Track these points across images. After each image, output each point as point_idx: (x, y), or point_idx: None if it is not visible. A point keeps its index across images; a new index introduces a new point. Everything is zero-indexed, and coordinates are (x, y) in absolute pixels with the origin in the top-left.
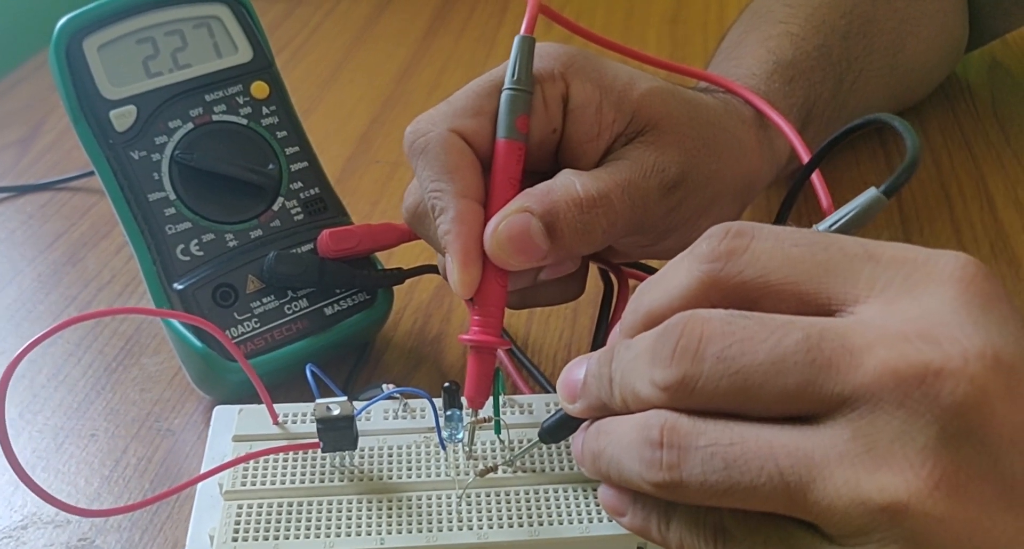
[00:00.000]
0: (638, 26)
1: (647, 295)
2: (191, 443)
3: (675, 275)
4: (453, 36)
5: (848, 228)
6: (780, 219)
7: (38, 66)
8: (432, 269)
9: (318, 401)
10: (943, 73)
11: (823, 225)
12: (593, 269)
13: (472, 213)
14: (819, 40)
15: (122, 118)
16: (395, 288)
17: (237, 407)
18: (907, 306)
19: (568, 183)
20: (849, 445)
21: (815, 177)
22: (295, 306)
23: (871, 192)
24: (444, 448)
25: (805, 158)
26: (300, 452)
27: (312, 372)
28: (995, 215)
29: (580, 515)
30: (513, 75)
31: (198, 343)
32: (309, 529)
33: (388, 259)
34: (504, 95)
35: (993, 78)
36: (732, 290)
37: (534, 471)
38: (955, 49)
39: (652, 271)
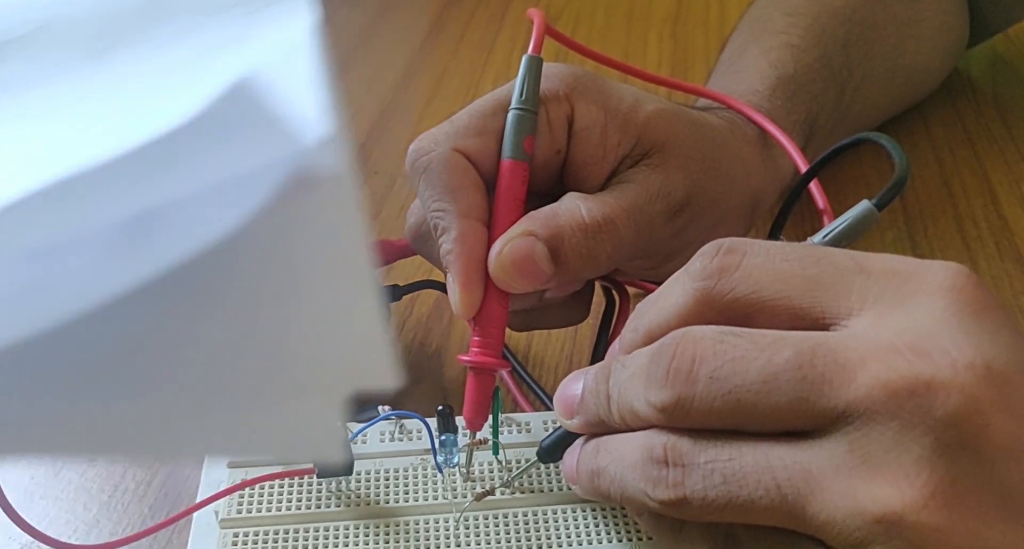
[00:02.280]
0: (639, 26)
1: (644, 314)
2: (190, 465)
3: (670, 293)
4: (451, 43)
5: (840, 239)
6: (772, 235)
7: None
8: (429, 284)
9: None
10: (945, 72)
11: (816, 237)
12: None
13: (474, 233)
14: (819, 50)
15: None
16: (392, 304)
17: None
18: (898, 318)
19: (573, 208)
20: (845, 457)
21: (815, 188)
22: None
23: (863, 204)
24: (440, 471)
25: (803, 169)
26: (296, 478)
27: None
28: (999, 212)
29: (580, 536)
30: (521, 95)
31: None
32: None
33: (385, 275)
34: (511, 115)
35: (995, 72)
36: (726, 307)
37: (532, 492)
38: (956, 47)
39: (658, 282)
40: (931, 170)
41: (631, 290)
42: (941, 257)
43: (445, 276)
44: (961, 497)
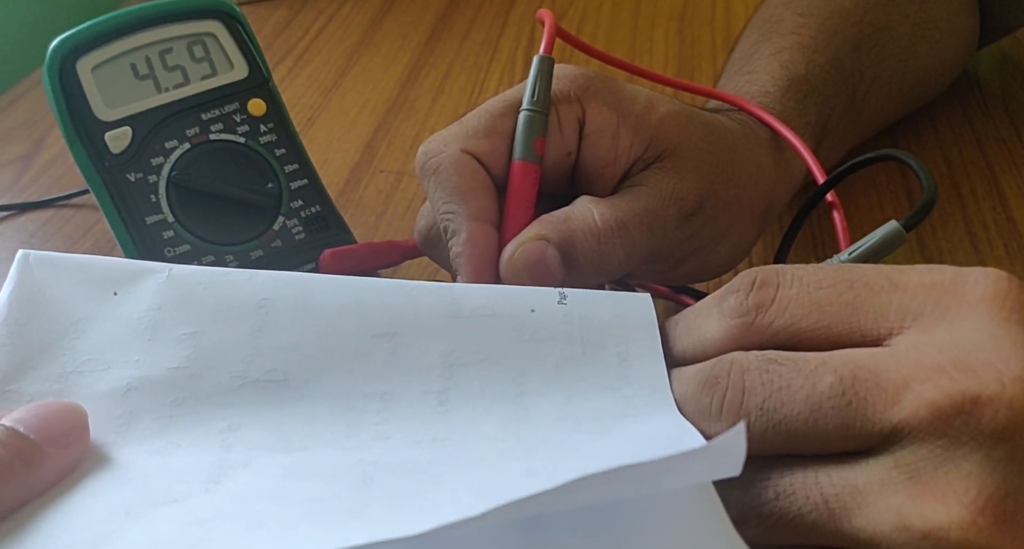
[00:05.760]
0: (645, 24)
1: (680, 341)
2: None
3: (707, 326)
4: (457, 39)
5: (865, 259)
6: (784, 244)
7: (40, 80)
8: None
9: None
10: (955, 73)
11: (843, 255)
12: None
13: (485, 236)
14: (831, 52)
15: (117, 140)
16: None
17: None
18: (942, 334)
19: (585, 212)
20: (892, 473)
21: (831, 197)
22: None
23: (892, 225)
24: None
25: (820, 180)
26: None
27: None
28: (1008, 214)
29: None
30: (532, 96)
31: None
32: None
33: (392, 276)
34: (522, 116)
35: (1003, 73)
36: (766, 340)
37: None
38: (967, 49)
39: (701, 295)
40: (939, 171)
41: (641, 291)
42: (950, 259)
43: (454, 278)
44: (1012, 513)
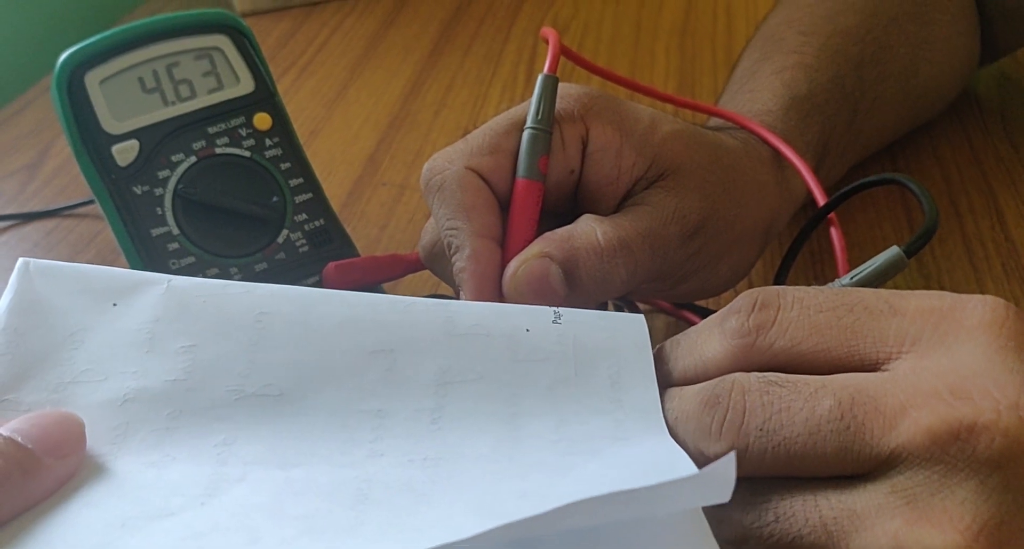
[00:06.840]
0: (647, 39)
1: (681, 361)
2: None
3: (708, 346)
4: (460, 52)
5: (866, 284)
6: (783, 268)
7: (45, 90)
8: (438, 298)
9: None
10: (956, 92)
11: (845, 279)
12: None
13: (488, 252)
14: (833, 71)
15: (124, 153)
16: None
17: None
18: (939, 359)
19: (588, 230)
20: (889, 498)
21: (831, 219)
22: None
23: (893, 251)
24: None
25: (822, 202)
26: None
27: None
28: (1007, 233)
29: None
30: (536, 114)
31: None
32: None
33: (395, 289)
34: (526, 134)
35: (1003, 92)
36: (767, 361)
37: None
38: (968, 69)
39: (703, 311)
40: (938, 189)
41: (643, 307)
42: (948, 278)
43: (457, 294)
44: (1006, 540)
